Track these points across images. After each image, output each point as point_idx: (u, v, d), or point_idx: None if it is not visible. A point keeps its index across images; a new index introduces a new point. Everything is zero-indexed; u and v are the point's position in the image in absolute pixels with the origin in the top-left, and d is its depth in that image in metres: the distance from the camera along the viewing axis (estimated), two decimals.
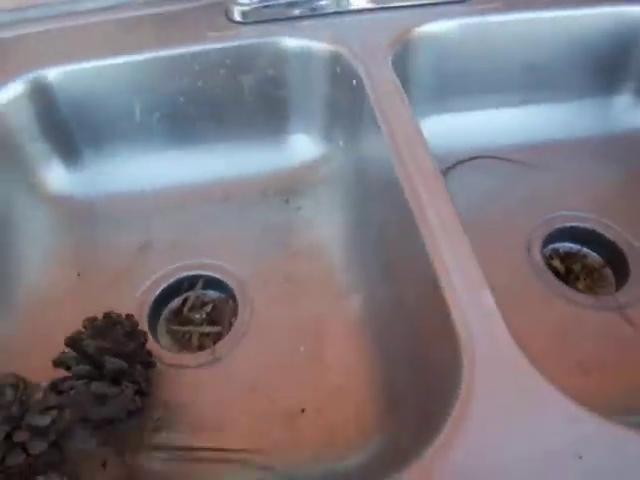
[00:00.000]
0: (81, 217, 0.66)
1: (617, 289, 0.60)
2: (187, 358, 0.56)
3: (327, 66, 0.61)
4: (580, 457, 0.31)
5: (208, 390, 0.53)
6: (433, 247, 0.41)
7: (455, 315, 0.37)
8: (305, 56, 0.62)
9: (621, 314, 0.56)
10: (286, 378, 0.54)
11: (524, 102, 0.71)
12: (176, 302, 0.63)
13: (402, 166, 0.47)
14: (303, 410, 0.51)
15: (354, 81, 0.58)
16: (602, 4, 0.66)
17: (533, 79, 0.70)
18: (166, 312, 0.62)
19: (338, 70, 0.60)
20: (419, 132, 0.50)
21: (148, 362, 0.51)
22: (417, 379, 0.43)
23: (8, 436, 0.42)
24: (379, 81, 0.55)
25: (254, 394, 0.53)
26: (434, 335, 0.40)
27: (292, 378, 0.53)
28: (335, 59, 0.60)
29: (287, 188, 0.67)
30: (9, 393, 0.43)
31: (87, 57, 0.62)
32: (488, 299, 0.38)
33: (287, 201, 0.67)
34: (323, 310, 0.58)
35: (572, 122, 0.72)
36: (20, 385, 0.44)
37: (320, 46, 0.60)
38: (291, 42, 0.61)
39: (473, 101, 0.70)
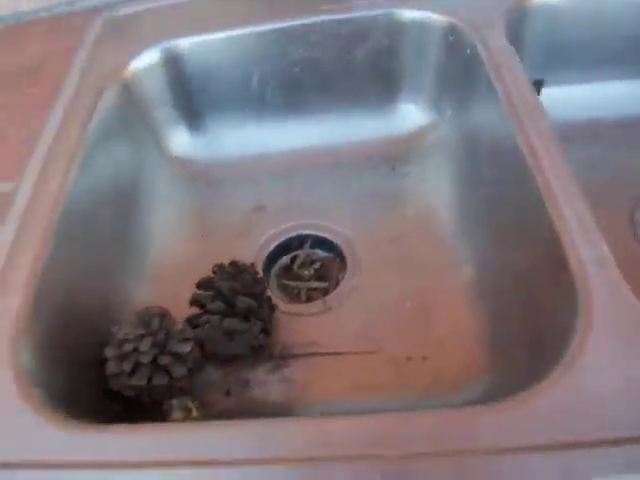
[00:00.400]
0: (201, 179, 0.72)
1: None
2: (300, 307, 0.61)
3: (441, 36, 0.64)
4: None
5: (321, 335, 0.57)
6: (553, 206, 0.43)
7: (573, 265, 0.39)
8: (419, 27, 0.64)
9: None
10: (393, 329, 0.57)
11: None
12: (286, 259, 0.67)
13: (522, 131, 0.49)
14: (409, 358, 0.54)
15: (468, 50, 0.60)
16: None
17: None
18: (276, 268, 0.66)
19: (451, 39, 0.62)
20: (536, 98, 0.51)
21: (271, 305, 0.56)
22: (529, 327, 0.46)
23: (154, 359, 0.47)
24: (494, 49, 0.57)
25: (363, 341, 0.56)
26: (551, 286, 0.42)
27: (399, 330, 0.57)
28: (450, 29, 0.62)
29: (394, 155, 0.70)
30: (155, 322, 0.48)
31: (213, 29, 0.66)
32: (604, 249, 0.40)
33: (394, 168, 0.70)
34: (430, 272, 0.60)
35: None
36: (165, 316, 0.49)
37: (435, 17, 0.63)
38: (405, 13, 0.64)
39: (584, 72, 0.70)
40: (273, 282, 0.65)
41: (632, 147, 0.68)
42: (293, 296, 0.64)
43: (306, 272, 0.66)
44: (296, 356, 0.55)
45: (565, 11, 0.64)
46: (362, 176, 0.70)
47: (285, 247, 0.67)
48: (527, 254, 0.48)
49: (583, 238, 0.41)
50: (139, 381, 0.46)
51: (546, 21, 0.65)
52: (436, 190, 0.67)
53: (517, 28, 0.63)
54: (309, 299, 0.63)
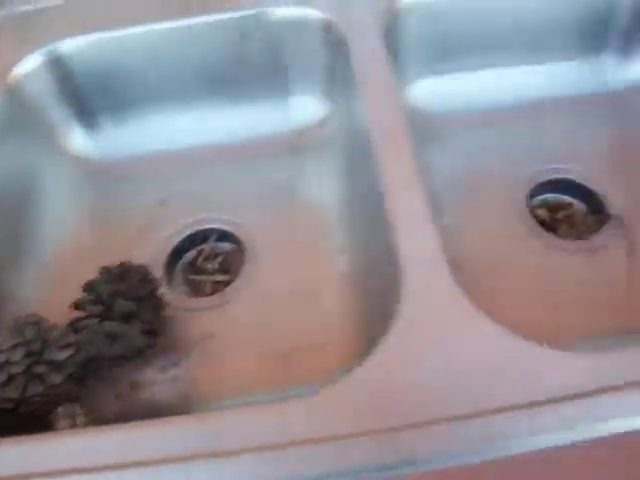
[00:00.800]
0: (101, 177, 0.71)
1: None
2: (197, 302, 0.61)
3: (320, 33, 0.63)
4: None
5: (216, 330, 0.58)
6: (389, 195, 0.44)
7: (402, 250, 0.40)
8: (298, 25, 0.64)
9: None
10: (284, 320, 0.58)
11: (516, 63, 0.72)
12: (191, 254, 0.67)
13: (377, 127, 0.49)
14: (297, 349, 0.55)
15: (345, 47, 0.60)
16: None
17: (523, 40, 0.70)
18: (182, 263, 0.66)
19: (332, 37, 0.62)
20: (397, 97, 0.52)
21: (159, 304, 0.56)
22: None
23: (28, 369, 0.47)
24: (364, 49, 0.57)
25: (257, 334, 0.57)
26: (381, 268, 0.43)
27: (289, 320, 0.58)
28: (327, 27, 0.62)
29: (292, 148, 0.70)
30: (30, 330, 0.48)
31: (98, 29, 0.66)
32: (430, 235, 0.40)
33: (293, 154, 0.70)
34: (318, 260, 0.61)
35: (561, 81, 0.73)
36: (41, 324, 0.49)
37: (313, 14, 0.63)
38: (283, 11, 0.63)
39: (468, 63, 0.71)
40: (179, 277, 0.65)
41: (516, 132, 0.70)
42: (198, 290, 0.64)
43: (210, 266, 0.66)
44: (186, 353, 0.55)
45: (442, 6, 0.64)
46: (261, 168, 0.70)
47: (191, 241, 0.67)
48: (372, 238, 0.49)
49: (412, 229, 0.41)
50: (13, 393, 0.46)
51: (425, 16, 0.65)
52: (329, 181, 0.67)
53: (395, 24, 0.63)
54: (213, 293, 0.63)
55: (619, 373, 0.35)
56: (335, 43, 0.62)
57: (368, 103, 0.52)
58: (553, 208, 0.66)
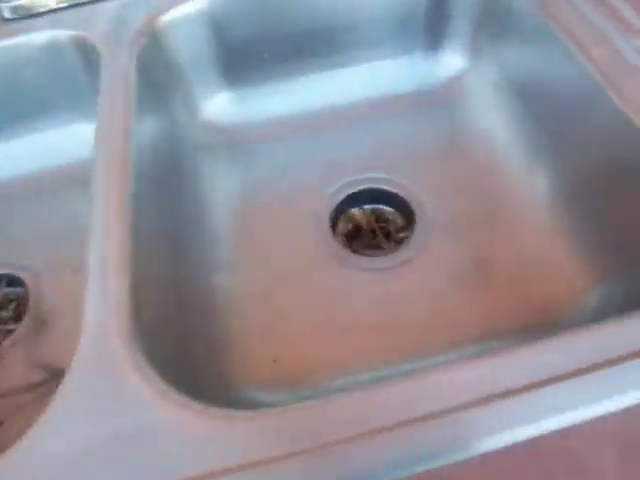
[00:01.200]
0: None
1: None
2: None
3: (80, 55, 0.62)
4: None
5: None
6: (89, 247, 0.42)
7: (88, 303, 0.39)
8: (54, 47, 0.62)
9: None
10: None
11: (324, 66, 0.72)
12: None
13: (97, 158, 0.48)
14: None
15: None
16: None
17: (331, 42, 0.70)
18: None
19: (94, 57, 0.61)
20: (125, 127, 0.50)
21: None
22: None
23: None
24: (112, 70, 0.55)
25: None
26: None
27: None
28: (82, 48, 0.60)
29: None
30: None
31: None
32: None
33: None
34: None
35: (372, 84, 0.72)
36: None
37: (66, 35, 0.61)
38: (39, 36, 0.61)
39: (268, 72, 0.71)
40: None
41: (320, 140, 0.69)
42: None
43: (5, 314, 0.64)
44: None
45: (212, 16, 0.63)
46: (57, 204, 0.69)
47: None
48: None
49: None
50: None
51: (200, 29, 0.64)
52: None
53: (160, 42, 0.61)
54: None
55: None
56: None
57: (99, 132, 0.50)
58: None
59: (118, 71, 0.55)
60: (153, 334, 0.39)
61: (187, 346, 0.45)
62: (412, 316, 0.54)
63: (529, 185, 0.62)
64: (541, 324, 0.51)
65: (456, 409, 0.33)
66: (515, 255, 0.57)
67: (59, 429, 0.34)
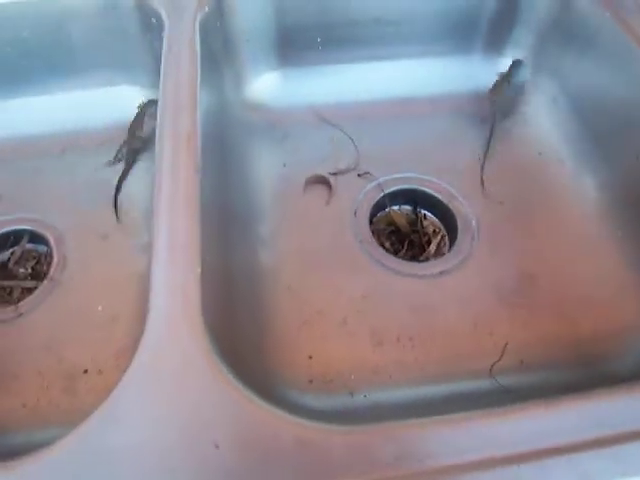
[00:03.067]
0: None
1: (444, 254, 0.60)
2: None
3: (139, 15, 0.59)
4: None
5: (3, 345, 0.54)
6: (157, 223, 0.40)
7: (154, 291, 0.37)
8: (113, 3, 0.59)
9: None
10: (79, 336, 0.54)
11: (373, 58, 0.70)
12: (3, 256, 0.62)
13: (161, 131, 0.46)
14: (85, 371, 0.52)
15: (163, 34, 0.56)
16: None
17: (383, 34, 0.67)
18: None
19: (154, 21, 0.58)
20: (192, 97, 0.48)
21: None
22: None
23: None
24: (176, 37, 0.53)
25: (46, 354, 0.53)
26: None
27: (84, 337, 0.54)
28: (143, 9, 0.58)
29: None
30: None
31: None
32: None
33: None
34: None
35: (423, 80, 0.70)
36: None
37: None
38: None
39: (318, 56, 0.69)
40: None
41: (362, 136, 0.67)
42: (5, 296, 0.60)
43: (22, 270, 0.62)
44: None
45: None
46: (88, 165, 0.66)
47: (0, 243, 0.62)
48: None
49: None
50: None
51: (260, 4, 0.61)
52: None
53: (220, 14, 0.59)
54: (21, 299, 0.59)
55: None
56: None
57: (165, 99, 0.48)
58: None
59: (183, 40, 0.52)
60: (218, 327, 0.37)
61: (237, 334, 0.44)
62: (450, 329, 0.53)
63: (578, 199, 0.61)
64: (587, 360, 0.50)
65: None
66: (562, 272, 0.56)
67: (122, 418, 0.32)
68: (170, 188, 0.41)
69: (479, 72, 0.71)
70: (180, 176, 0.42)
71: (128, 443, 0.31)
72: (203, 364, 0.34)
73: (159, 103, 0.47)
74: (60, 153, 0.67)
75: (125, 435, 0.32)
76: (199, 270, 0.37)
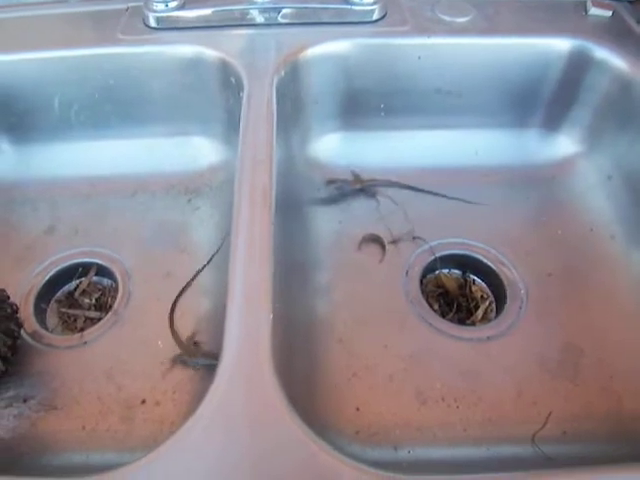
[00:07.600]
0: None
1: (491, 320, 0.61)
2: (58, 339, 0.60)
3: (219, 75, 0.64)
4: None
5: (68, 370, 0.57)
6: (233, 270, 0.44)
7: (228, 332, 0.40)
8: (198, 64, 0.64)
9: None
10: (139, 368, 0.57)
11: (431, 126, 0.73)
12: (69, 286, 0.66)
13: (240, 184, 0.49)
14: (143, 401, 0.54)
15: (241, 93, 0.60)
16: (512, 34, 0.66)
17: (442, 104, 0.71)
18: (59, 295, 0.66)
19: (232, 80, 0.63)
20: (269, 154, 0.52)
21: (12, 331, 0.54)
22: None
23: None
24: (255, 97, 0.57)
25: (107, 382, 0.56)
26: None
27: (143, 369, 0.57)
28: (225, 69, 0.62)
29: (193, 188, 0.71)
30: None
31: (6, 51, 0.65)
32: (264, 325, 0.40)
33: (189, 201, 0.70)
34: None
35: (479, 151, 0.73)
36: None
37: (212, 55, 0.63)
38: (185, 49, 0.64)
39: (379, 121, 0.72)
40: (52, 309, 0.65)
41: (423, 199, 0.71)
42: (70, 324, 0.64)
43: (87, 300, 0.66)
44: (33, 395, 0.54)
45: (350, 60, 0.65)
46: (157, 207, 0.70)
47: (70, 273, 0.66)
48: None
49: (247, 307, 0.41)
50: None
51: (331, 69, 0.66)
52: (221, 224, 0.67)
53: (297, 75, 0.63)
54: (84, 329, 0.63)
55: None
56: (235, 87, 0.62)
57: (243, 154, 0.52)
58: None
59: (261, 100, 0.56)
60: (284, 373, 0.39)
61: (297, 380, 0.46)
62: (494, 394, 0.55)
63: (628, 274, 0.62)
64: (630, 436, 0.51)
65: None
66: (608, 347, 0.58)
67: (196, 444, 0.35)
68: (247, 237, 0.45)
69: (534, 147, 0.73)
70: (256, 227, 0.46)
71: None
72: (274, 408, 0.36)
73: (238, 157, 0.50)
74: (132, 194, 0.71)
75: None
76: (271, 316, 0.40)
